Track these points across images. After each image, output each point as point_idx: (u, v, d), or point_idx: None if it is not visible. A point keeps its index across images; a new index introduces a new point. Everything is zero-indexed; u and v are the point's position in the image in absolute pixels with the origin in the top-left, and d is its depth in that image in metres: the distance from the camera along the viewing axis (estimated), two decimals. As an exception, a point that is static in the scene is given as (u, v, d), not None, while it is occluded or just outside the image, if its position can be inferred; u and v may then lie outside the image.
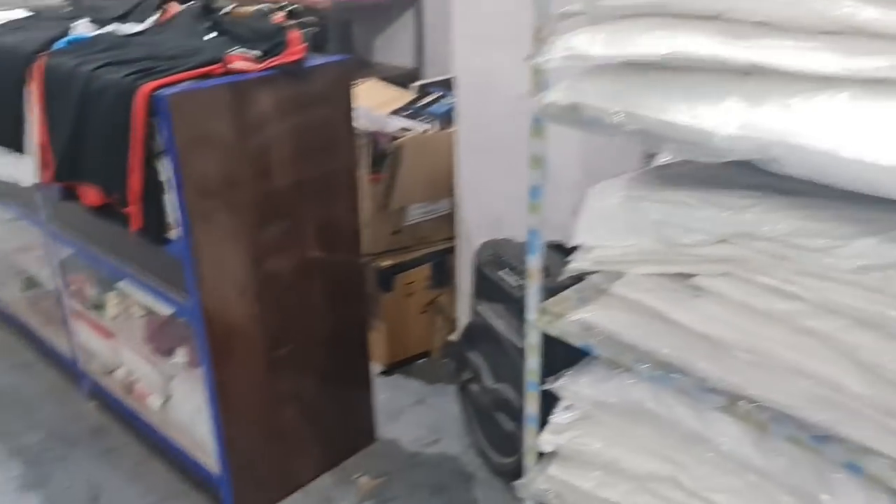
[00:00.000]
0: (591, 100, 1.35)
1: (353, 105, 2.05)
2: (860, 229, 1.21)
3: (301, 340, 2.14)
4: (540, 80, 1.51)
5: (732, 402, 1.40)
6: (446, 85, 3.07)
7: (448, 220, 2.70)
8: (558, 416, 1.79)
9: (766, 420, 1.36)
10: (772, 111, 1.11)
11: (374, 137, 2.53)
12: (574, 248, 1.86)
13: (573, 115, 1.40)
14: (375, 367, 2.61)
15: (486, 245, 2.16)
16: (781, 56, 1.10)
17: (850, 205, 1.23)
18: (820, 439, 1.31)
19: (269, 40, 1.83)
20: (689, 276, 1.46)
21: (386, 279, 2.60)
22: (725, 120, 1.16)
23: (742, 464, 1.47)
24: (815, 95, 1.08)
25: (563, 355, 1.76)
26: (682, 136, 1.22)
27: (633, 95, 1.28)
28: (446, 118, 2.65)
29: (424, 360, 2.83)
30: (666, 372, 1.48)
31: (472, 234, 2.55)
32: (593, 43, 1.29)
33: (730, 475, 1.52)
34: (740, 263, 1.37)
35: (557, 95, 1.41)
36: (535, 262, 1.68)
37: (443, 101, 2.74)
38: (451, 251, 2.70)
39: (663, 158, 1.77)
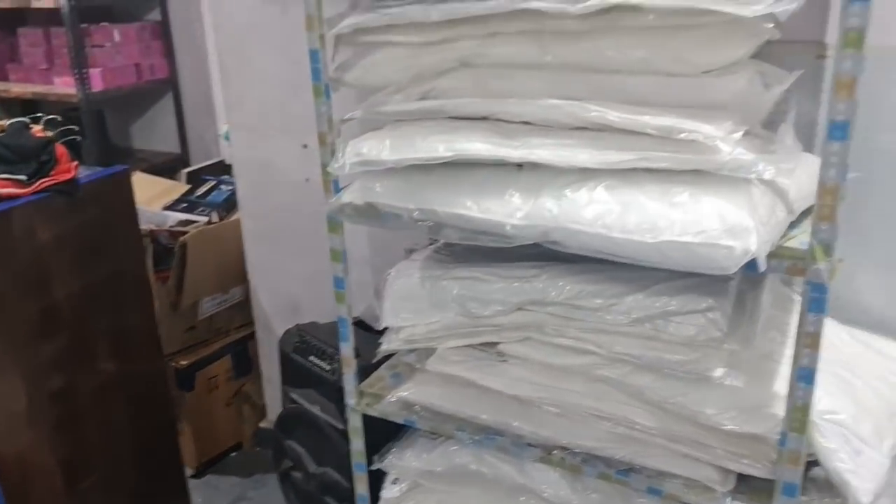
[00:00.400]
0: (385, 199, 1.44)
1: (134, 209, 1.99)
2: (629, 287, 1.40)
3: (106, 466, 2.01)
4: (330, 181, 1.57)
5: (548, 452, 1.55)
6: (217, 170, 3.05)
7: (243, 307, 2.66)
8: (388, 492, 1.85)
9: (579, 463, 1.52)
10: (549, 201, 1.27)
11: (154, 235, 2.45)
12: (368, 324, 1.94)
13: (370, 214, 1.48)
14: (186, 471, 2.50)
15: (290, 332, 2.17)
16: (546, 153, 1.27)
17: (620, 267, 1.42)
18: (624, 472, 1.48)
19: (35, 158, 1.73)
20: (494, 343, 1.59)
21: (186, 378, 2.51)
22: (510, 211, 1.30)
23: (562, 506, 1.62)
24: (581, 185, 1.25)
25: (384, 430, 1.82)
26: (475, 227, 1.35)
27: (424, 193, 1.39)
28: (225, 207, 2.63)
29: (236, 452, 2.75)
30: (485, 435, 1.60)
31: (271, 320, 2.54)
32: (381, 149, 1.39)
33: (552, 519, 1.67)
34: (536, 328, 1.52)
35: (353, 196, 1.48)
36: (346, 350, 1.74)
37: (219, 188, 2.71)
38: (250, 337, 2.67)
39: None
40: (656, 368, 1.40)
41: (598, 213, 1.22)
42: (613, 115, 1.21)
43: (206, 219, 2.57)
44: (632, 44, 1.24)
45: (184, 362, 2.50)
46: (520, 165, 1.34)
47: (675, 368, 1.37)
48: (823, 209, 1.16)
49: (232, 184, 2.71)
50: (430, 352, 1.70)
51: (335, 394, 2.01)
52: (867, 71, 1.50)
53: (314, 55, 1.49)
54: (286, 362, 2.17)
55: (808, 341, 1.24)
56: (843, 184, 1.15)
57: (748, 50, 1.19)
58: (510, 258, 1.56)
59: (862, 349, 1.60)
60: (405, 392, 1.69)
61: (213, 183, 2.75)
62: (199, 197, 2.69)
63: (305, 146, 2.22)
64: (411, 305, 1.64)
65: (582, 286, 1.44)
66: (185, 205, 2.65)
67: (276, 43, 2.14)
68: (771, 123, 1.39)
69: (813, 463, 1.38)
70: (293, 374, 2.15)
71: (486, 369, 1.59)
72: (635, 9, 1.18)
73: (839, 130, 1.12)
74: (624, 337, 1.42)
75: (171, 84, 3.37)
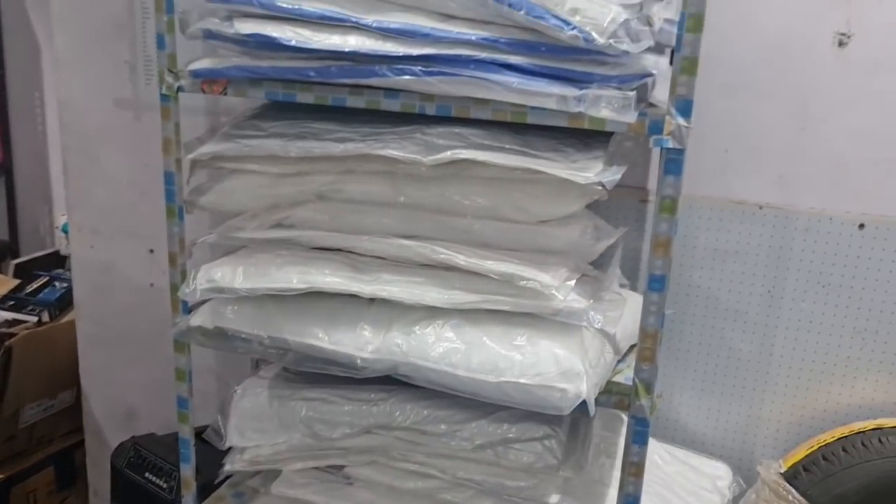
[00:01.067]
0: (236, 325, 1.44)
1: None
2: (473, 413, 1.46)
3: None
4: (178, 301, 1.55)
5: (392, 576, 1.55)
6: (50, 262, 2.90)
7: (71, 413, 2.50)
8: None
9: (421, 588, 1.53)
10: (398, 337, 1.32)
11: (-26, 336, 2.27)
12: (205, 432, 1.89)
13: (219, 338, 1.47)
14: None
15: (124, 445, 2.06)
16: (397, 290, 1.33)
17: (464, 394, 1.49)
18: None
19: None
20: (341, 466, 1.60)
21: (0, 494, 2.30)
22: (361, 345, 1.34)
23: None
24: (429, 323, 1.32)
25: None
26: (326, 357, 1.37)
27: (276, 321, 1.41)
28: (58, 305, 2.49)
29: (54, 572, 2.53)
30: (329, 559, 1.59)
31: (103, 429, 2.40)
32: (235, 276, 1.40)
33: None
34: (383, 452, 1.54)
35: (202, 320, 1.47)
36: (187, 471, 1.68)
37: (53, 285, 2.57)
38: (77, 446, 2.50)
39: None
40: (497, 493, 1.46)
41: (444, 351, 1.29)
42: (461, 259, 1.30)
43: (35, 318, 2.42)
44: (477, 192, 1.34)
45: (-1, 476, 2.30)
46: (371, 300, 1.39)
47: (514, 494, 1.44)
48: (645, 352, 1.28)
49: (67, 280, 2.59)
50: (274, 473, 1.68)
51: (171, 514, 1.92)
52: (682, 217, 1.71)
53: (169, 177, 1.49)
54: (118, 478, 2.05)
55: (633, 470, 1.35)
56: (661, 331, 1.28)
57: (580, 206, 1.32)
58: (359, 380, 1.59)
59: (679, 467, 1.75)
60: (248, 517, 1.65)
61: (45, 279, 2.61)
62: (28, 294, 2.53)
63: (152, 251, 2.17)
64: (257, 425, 1.61)
65: (428, 411, 1.48)
66: (12, 302, 2.48)
67: (126, 146, 2.11)
68: (601, 260, 1.54)
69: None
70: (125, 492, 2.04)
71: (332, 492, 1.59)
72: (480, 163, 1.28)
73: (657, 283, 1.26)
74: (467, 462, 1.48)
75: (4, 169, 3.18)
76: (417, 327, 1.32)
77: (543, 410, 1.25)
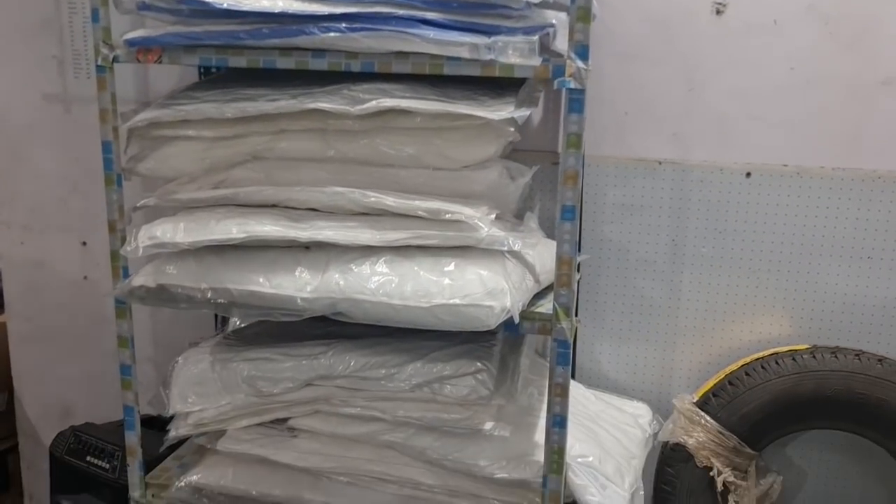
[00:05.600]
0: (179, 280, 1.50)
1: None
2: (409, 357, 1.56)
3: None
4: (119, 267, 1.61)
5: (339, 522, 1.63)
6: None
7: (4, 418, 2.47)
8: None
9: (367, 529, 1.61)
10: (336, 275, 1.42)
11: None
12: (156, 419, 1.92)
13: (162, 296, 1.53)
14: None
15: (63, 434, 2.06)
16: (332, 234, 1.43)
17: (399, 340, 1.58)
18: (410, 532, 1.60)
19: None
20: (285, 419, 1.66)
21: (-69, 501, 2.26)
22: (300, 286, 1.43)
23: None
24: (363, 261, 1.42)
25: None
26: (268, 303, 1.45)
27: (217, 273, 1.48)
28: (-13, 310, 2.48)
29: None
30: (277, 511, 1.65)
31: (38, 429, 2.38)
32: (176, 231, 1.47)
33: None
34: (325, 401, 1.62)
35: (145, 279, 1.53)
36: (132, 439, 1.72)
37: (-20, 292, 2.55)
38: (10, 451, 2.47)
39: (235, 325, 1.98)
40: (436, 428, 1.56)
41: (379, 283, 1.39)
42: (390, 201, 1.41)
43: (-37, 323, 2.40)
44: (403, 142, 1.47)
45: (-71, 484, 2.26)
46: (307, 247, 1.48)
47: (451, 426, 1.54)
48: (562, 277, 1.42)
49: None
50: (219, 437, 1.73)
51: (114, 493, 1.93)
52: (590, 176, 1.87)
53: (107, 146, 1.55)
54: (57, 467, 2.05)
55: (559, 391, 1.47)
56: (575, 257, 1.42)
57: (497, 149, 1.45)
58: (298, 338, 1.68)
59: (603, 406, 1.88)
60: (194, 476, 1.69)
61: (-29, 287, 2.58)
62: (-45, 301, 2.51)
63: (84, 243, 2.21)
64: (200, 389, 1.67)
65: (367, 359, 1.57)
66: (-62, 310, 2.46)
67: (56, 140, 2.15)
68: (520, 214, 1.67)
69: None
70: (64, 480, 2.04)
71: (277, 445, 1.65)
72: (405, 112, 1.40)
73: (569, 213, 1.40)
74: (406, 402, 1.57)
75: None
76: (353, 265, 1.42)
77: (473, 328, 1.36)
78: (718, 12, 1.81)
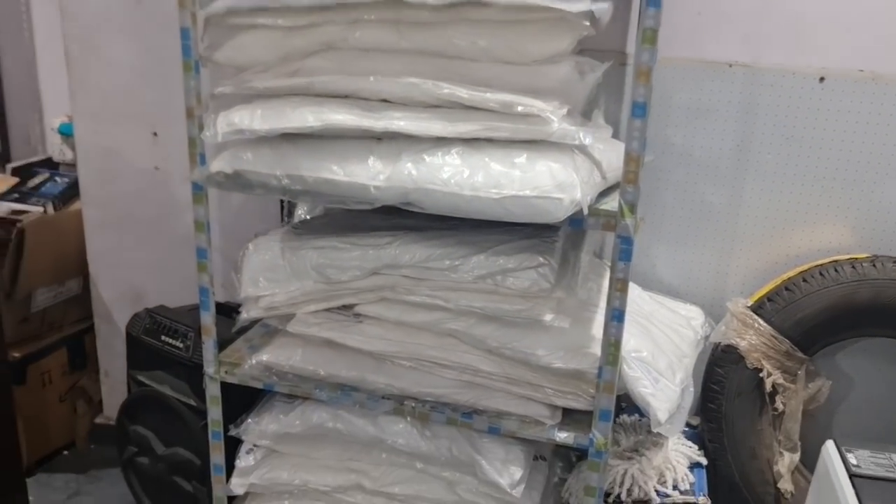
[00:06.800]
0: (255, 167, 1.55)
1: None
2: (473, 249, 1.61)
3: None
4: (196, 154, 1.66)
5: (400, 403, 1.72)
6: (47, 166, 2.96)
7: (79, 301, 2.61)
8: (243, 461, 1.92)
9: (428, 411, 1.70)
10: (408, 165, 1.45)
11: (-18, 224, 2.36)
12: (224, 306, 2.01)
13: (238, 181, 1.59)
14: (16, 470, 2.40)
15: (139, 315, 2.19)
16: (405, 124, 1.46)
17: (465, 232, 1.63)
18: (468, 415, 1.68)
19: None
20: (352, 306, 1.74)
21: (17, 372, 2.42)
22: (373, 174, 1.47)
23: (412, 455, 1.79)
24: (435, 152, 1.45)
25: (239, 404, 1.91)
26: (341, 191, 1.50)
27: (292, 160, 1.53)
28: (61, 198, 2.58)
29: (68, 451, 2.67)
30: (342, 391, 1.74)
31: (112, 311, 2.52)
32: (253, 119, 1.51)
33: (402, 468, 1.83)
34: (391, 289, 1.69)
35: (222, 165, 1.59)
36: (207, 318, 1.81)
37: (54, 180, 2.65)
38: (87, 332, 2.62)
39: (300, 217, 2.04)
40: (497, 318, 1.62)
41: (450, 174, 1.42)
42: (463, 92, 1.43)
43: (41, 209, 2.51)
44: (475, 34, 1.46)
45: (15, 355, 2.42)
46: (379, 138, 1.52)
47: (512, 316, 1.59)
48: (629, 174, 1.43)
49: (67, 176, 2.67)
50: (288, 321, 1.82)
51: (187, 371, 2.06)
52: (658, 77, 1.85)
53: (185, 32, 1.58)
54: (134, 345, 2.19)
55: (619, 286, 1.51)
56: (643, 155, 1.43)
57: (570, 43, 1.44)
58: (365, 228, 1.73)
59: (658, 307, 1.92)
60: (265, 356, 1.79)
61: (45, 175, 2.69)
62: (31, 189, 2.61)
63: (155, 134, 2.27)
64: (271, 275, 1.75)
65: (431, 250, 1.63)
66: (16, 195, 2.56)
67: (127, 31, 2.19)
68: (586, 114, 1.68)
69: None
70: (142, 357, 2.17)
71: (343, 329, 1.73)
72: (479, 3, 1.40)
73: (640, 109, 1.40)
74: (469, 293, 1.63)
75: (-9, 77, 3.22)
76: (426, 155, 1.45)
77: (542, 220, 1.40)
78: None
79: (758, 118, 1.88)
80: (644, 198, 1.98)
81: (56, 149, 3.13)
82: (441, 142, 1.46)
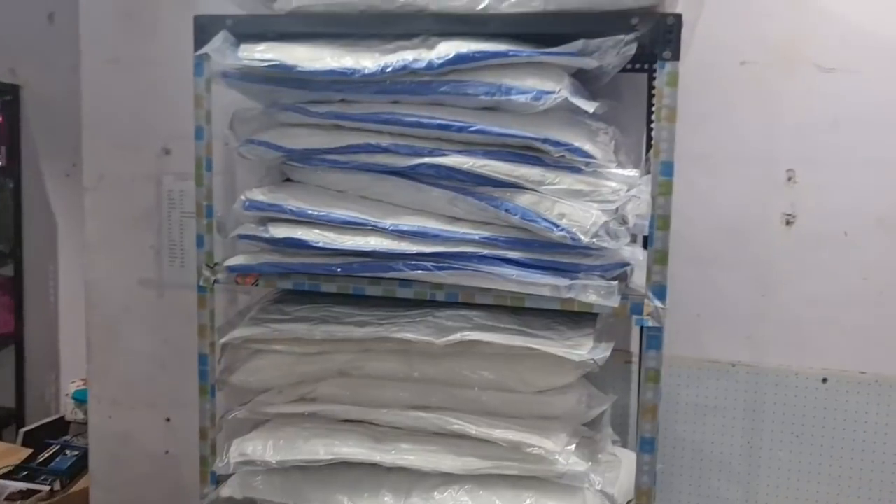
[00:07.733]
0: (266, 495, 1.56)
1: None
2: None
3: None
4: (207, 473, 1.67)
5: None
6: (56, 428, 2.99)
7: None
8: None
9: None
10: (418, 503, 1.45)
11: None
12: None
13: (249, 506, 1.59)
14: None
15: None
16: (415, 459, 1.47)
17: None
18: None
19: None
20: None
21: None
22: None
23: None
24: (446, 489, 1.46)
25: None
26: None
27: (303, 491, 1.53)
28: (69, 474, 2.57)
29: None
30: None
31: None
32: (266, 450, 1.53)
33: None
34: None
35: (232, 490, 1.59)
36: None
37: (64, 454, 2.65)
38: None
39: None
40: None
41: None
42: (472, 429, 1.45)
43: (48, 488, 2.49)
44: (483, 367, 1.52)
45: None
46: (390, 470, 1.53)
47: None
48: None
49: (77, 448, 2.68)
50: None
51: None
52: (664, 376, 1.88)
53: (203, 359, 1.65)
54: None
55: None
56: (654, 486, 1.43)
57: (575, 377, 1.49)
58: None
59: None
60: None
61: (55, 448, 2.69)
62: (40, 464, 2.61)
63: (168, 419, 2.29)
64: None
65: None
66: (25, 472, 2.55)
67: (149, 322, 2.27)
68: (594, 420, 1.69)
69: None
70: None
71: None
72: (486, 342, 1.46)
73: (648, 445, 1.42)
74: None
75: (14, 339, 3.32)
76: (436, 492, 1.45)
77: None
78: (788, 223, 1.85)
79: (765, 416, 1.89)
80: (658, 493, 1.96)
81: (69, 408, 3.17)
82: (451, 477, 1.46)
